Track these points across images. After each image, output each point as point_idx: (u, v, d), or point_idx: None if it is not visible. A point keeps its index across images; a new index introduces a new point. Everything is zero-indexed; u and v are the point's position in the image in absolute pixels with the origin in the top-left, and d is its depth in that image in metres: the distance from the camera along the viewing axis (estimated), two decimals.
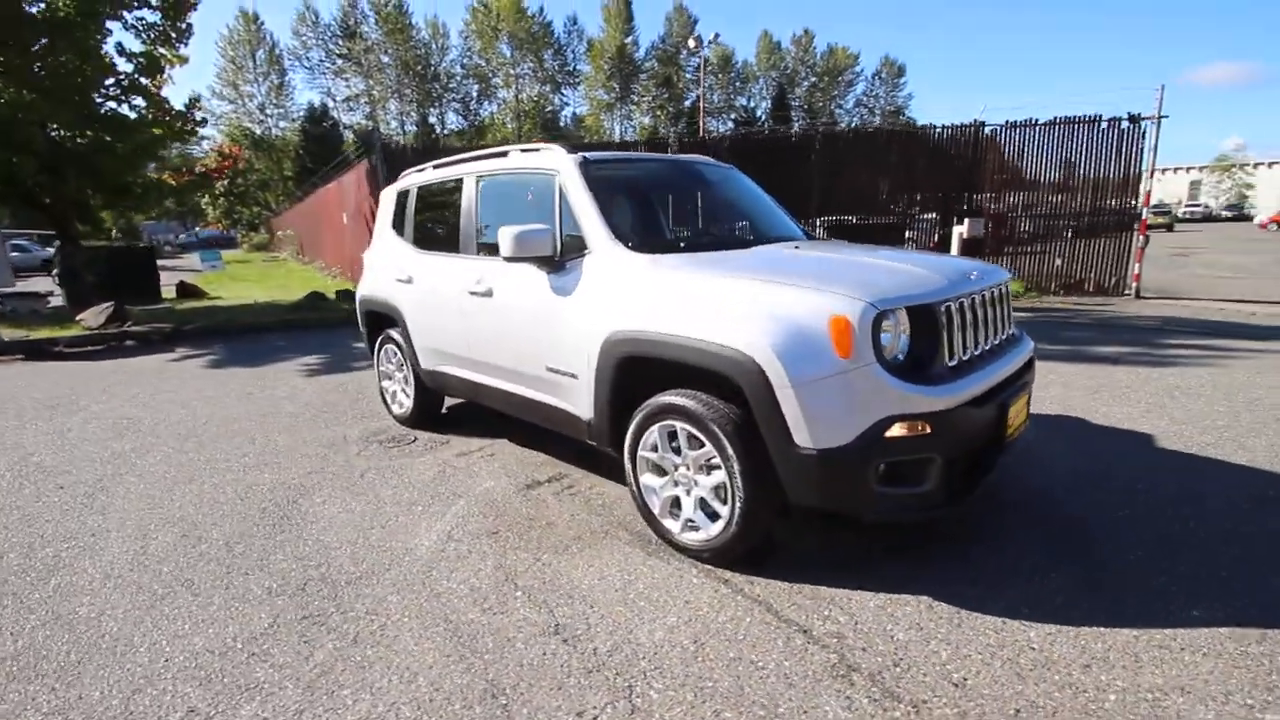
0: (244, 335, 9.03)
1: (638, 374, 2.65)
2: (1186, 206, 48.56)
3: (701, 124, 32.01)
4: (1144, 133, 10.62)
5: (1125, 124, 10.73)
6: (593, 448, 3.11)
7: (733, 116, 63.41)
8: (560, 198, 3.00)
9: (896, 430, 2.09)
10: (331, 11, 49.59)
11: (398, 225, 4.30)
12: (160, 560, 2.72)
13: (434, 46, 52.92)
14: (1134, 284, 10.60)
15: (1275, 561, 2.43)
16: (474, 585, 2.45)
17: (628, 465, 2.76)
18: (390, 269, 4.22)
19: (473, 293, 3.42)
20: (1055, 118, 11.12)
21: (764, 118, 63.12)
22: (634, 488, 2.76)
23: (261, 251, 36.34)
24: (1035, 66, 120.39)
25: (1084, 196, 11.22)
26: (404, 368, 4.33)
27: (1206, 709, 1.73)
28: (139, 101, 10.81)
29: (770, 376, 2.13)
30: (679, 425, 2.49)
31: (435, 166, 4.12)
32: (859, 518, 2.33)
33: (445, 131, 54.93)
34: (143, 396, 5.62)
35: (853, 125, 59.32)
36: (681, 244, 3.02)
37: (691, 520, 2.54)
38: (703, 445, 2.43)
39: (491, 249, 3.44)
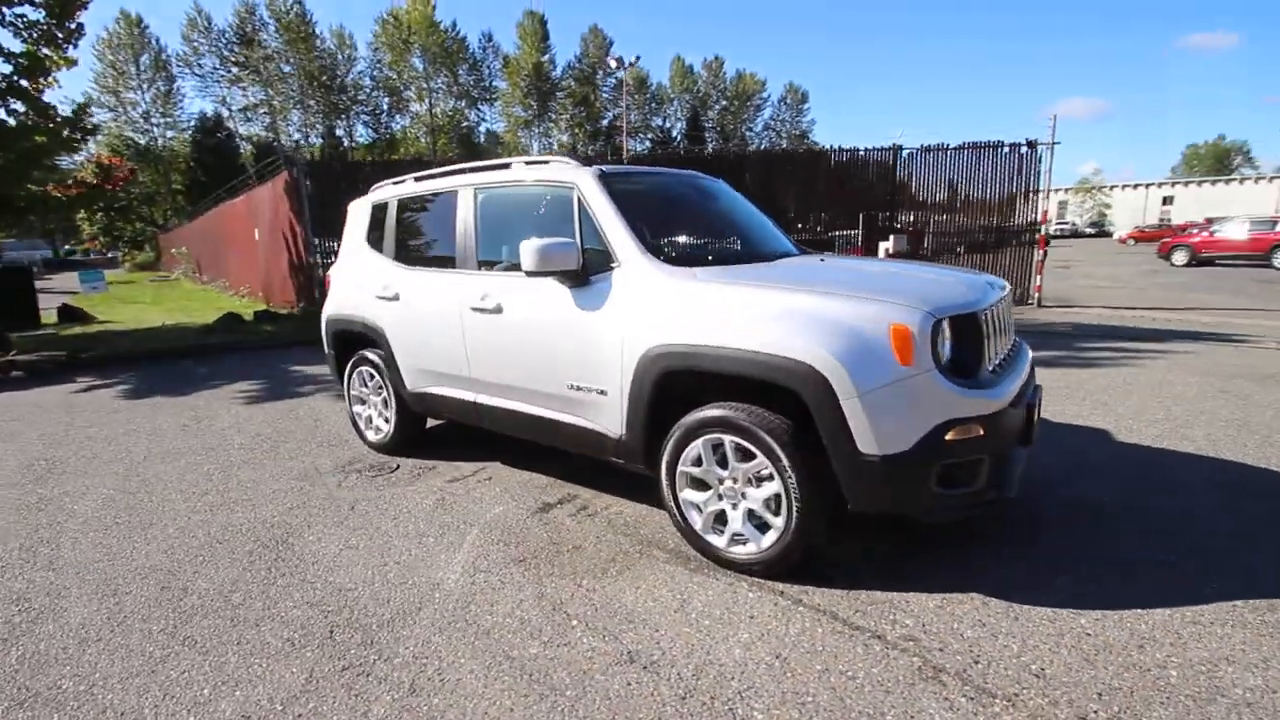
0: (155, 362, 8.17)
1: (677, 389, 2.62)
2: (1056, 225, 54.02)
3: (625, 144, 32.38)
4: (1040, 157, 11.78)
5: (1024, 149, 11.84)
6: (607, 467, 3.04)
7: (649, 136, 64.77)
8: (580, 211, 2.93)
9: (954, 433, 2.17)
10: (226, 17, 46.31)
11: (375, 240, 4.05)
12: (144, 618, 2.38)
13: (340, 57, 50.77)
14: (1036, 294, 11.65)
15: (1259, 536, 2.71)
16: (522, 618, 2.31)
17: (664, 481, 2.71)
18: (369, 286, 3.96)
19: (477, 309, 3.27)
20: (964, 143, 12.11)
21: (679, 138, 64.90)
22: (672, 504, 2.71)
23: (148, 271, 33.20)
24: (917, 100, 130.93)
25: (990, 214, 12.25)
26: (383, 390, 4.06)
27: (1255, 676, 1.89)
28: (19, 107, 9.66)
29: (834, 385, 2.16)
30: (726, 438, 2.47)
31: (416, 179, 3.93)
32: (919, 519, 2.39)
33: (353, 144, 52.68)
34: (55, 433, 4.95)
35: (766, 147, 62.08)
36: (709, 257, 3.03)
37: (740, 534, 2.52)
38: (753, 457, 2.42)
39: (496, 263, 3.32)
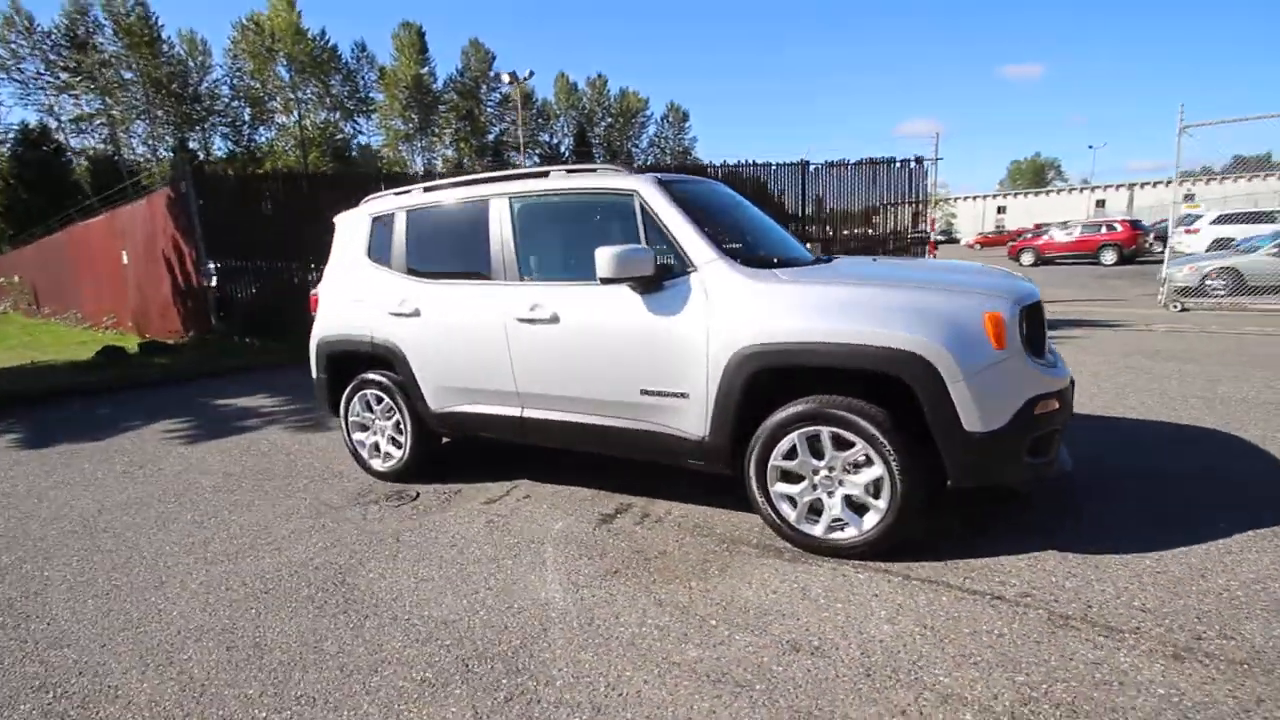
0: (35, 406, 7.00)
1: (762, 387, 2.70)
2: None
3: (523, 158, 32.07)
4: (926, 171, 13.11)
5: (913, 165, 13.13)
6: (649, 473, 3.08)
7: (537, 151, 64.47)
8: (644, 218, 2.95)
9: (1039, 407, 2.43)
10: (53, 18, 40.16)
11: (379, 253, 3.79)
12: (230, 682, 2.09)
13: (192, 64, 46.09)
14: None
15: (1228, 481, 3.22)
16: (658, 625, 2.28)
17: (753, 477, 2.77)
18: (377, 302, 3.70)
19: (525, 320, 3.17)
20: (862, 159, 13.23)
21: (567, 153, 65.17)
22: (761, 499, 2.78)
23: None
24: (785, 120, 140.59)
25: (887, 222, 13.45)
26: (394, 413, 3.80)
27: None
28: None
29: (941, 370, 2.35)
30: (824, 429, 2.59)
31: (426, 189, 3.75)
32: (1014, 489, 2.62)
33: (210, 158, 47.87)
34: None
35: (652, 163, 63.74)
36: (775, 260, 3.14)
37: (840, 519, 2.64)
38: (851, 445, 2.56)
39: (543, 273, 3.26)
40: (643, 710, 1.86)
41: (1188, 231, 19.25)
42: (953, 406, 2.36)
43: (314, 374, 4.13)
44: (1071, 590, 2.34)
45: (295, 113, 49.11)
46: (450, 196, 3.58)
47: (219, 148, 49.02)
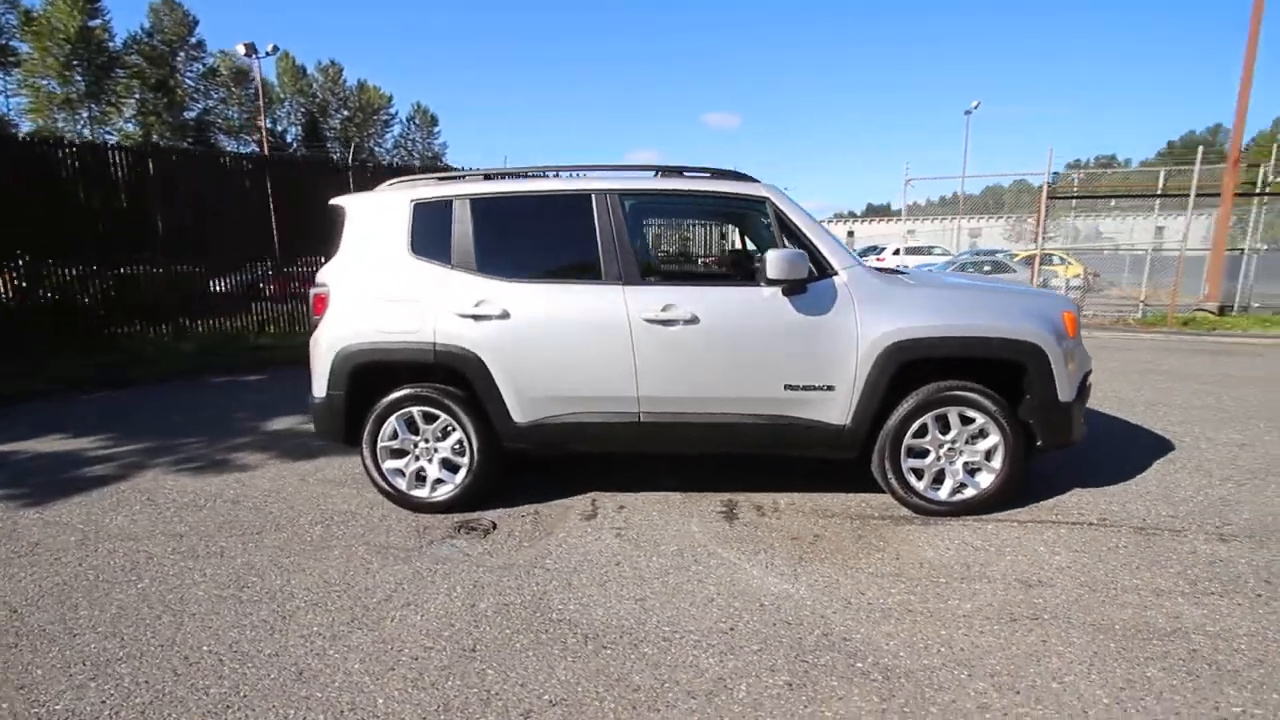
0: None
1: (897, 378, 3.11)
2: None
3: (264, 142, 27.31)
4: None
5: None
6: (732, 466, 3.34)
7: (254, 138, 55.50)
8: (779, 224, 3.14)
9: (1088, 380, 3.28)
10: None
11: (429, 248, 3.24)
12: None
13: None
14: None
15: (1110, 434, 4.59)
16: (905, 591, 2.53)
17: (887, 456, 3.16)
18: (439, 303, 3.16)
19: (656, 321, 3.09)
20: None
21: (295, 144, 57.44)
22: (891, 475, 3.17)
23: None
24: (521, 134, 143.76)
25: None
26: (454, 432, 3.29)
27: (1243, 491, 3.44)
28: None
29: (1049, 355, 3.04)
30: (952, 409, 3.11)
31: (488, 175, 3.36)
32: (1072, 445, 3.40)
33: None
34: None
35: (399, 163, 59.54)
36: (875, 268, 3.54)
37: (962, 483, 3.18)
38: (972, 421, 3.12)
39: (671, 273, 3.21)
40: (996, 656, 2.11)
41: (878, 260, 25.07)
42: (1054, 382, 3.07)
43: (321, 393, 3.32)
44: (1120, 511, 3.21)
45: None
46: (532, 188, 3.28)
47: None
